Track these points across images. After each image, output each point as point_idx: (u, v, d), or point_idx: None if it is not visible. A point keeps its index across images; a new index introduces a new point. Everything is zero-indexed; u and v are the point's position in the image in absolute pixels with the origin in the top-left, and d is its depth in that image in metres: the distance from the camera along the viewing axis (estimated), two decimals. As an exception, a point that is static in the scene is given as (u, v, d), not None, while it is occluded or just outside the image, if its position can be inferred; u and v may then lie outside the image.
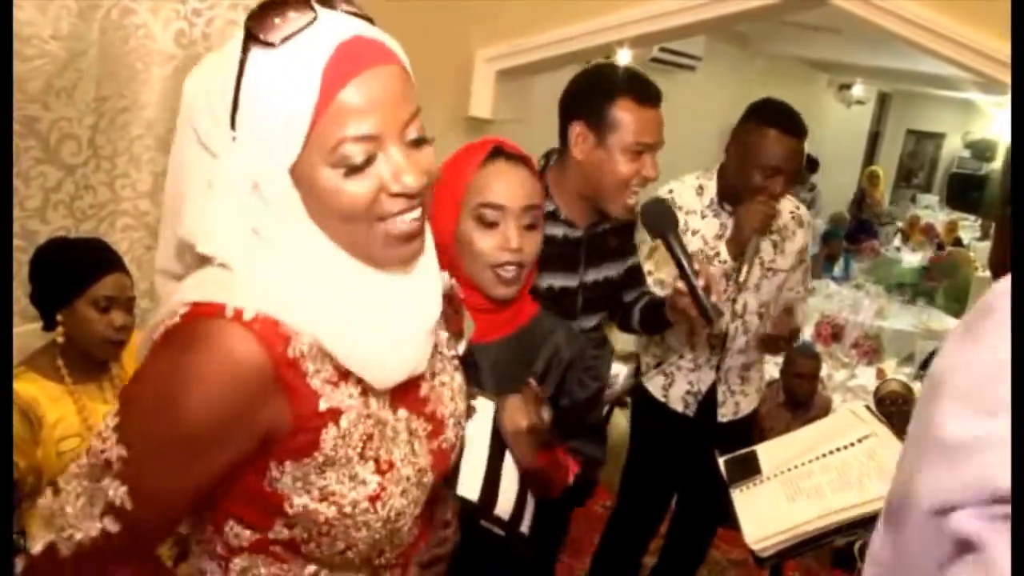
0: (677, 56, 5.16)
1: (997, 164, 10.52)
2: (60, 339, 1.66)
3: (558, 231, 1.75)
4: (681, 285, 1.68)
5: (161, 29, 2.00)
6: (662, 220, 1.73)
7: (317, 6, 0.82)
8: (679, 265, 1.67)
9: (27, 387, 1.62)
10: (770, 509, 1.46)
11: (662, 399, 2.37)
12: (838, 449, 1.54)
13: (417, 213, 0.87)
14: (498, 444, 1.26)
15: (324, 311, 0.85)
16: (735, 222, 2.14)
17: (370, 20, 0.87)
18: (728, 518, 1.56)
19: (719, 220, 2.23)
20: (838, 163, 9.83)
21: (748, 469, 1.57)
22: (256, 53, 0.80)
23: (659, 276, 2.16)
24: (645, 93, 1.71)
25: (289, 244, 0.85)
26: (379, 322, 0.88)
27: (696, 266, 1.67)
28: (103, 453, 0.83)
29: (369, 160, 0.82)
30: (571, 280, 1.79)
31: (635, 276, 2.02)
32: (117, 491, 0.82)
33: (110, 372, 1.75)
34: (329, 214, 0.84)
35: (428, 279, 0.96)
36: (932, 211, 10.69)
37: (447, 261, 1.35)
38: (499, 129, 3.17)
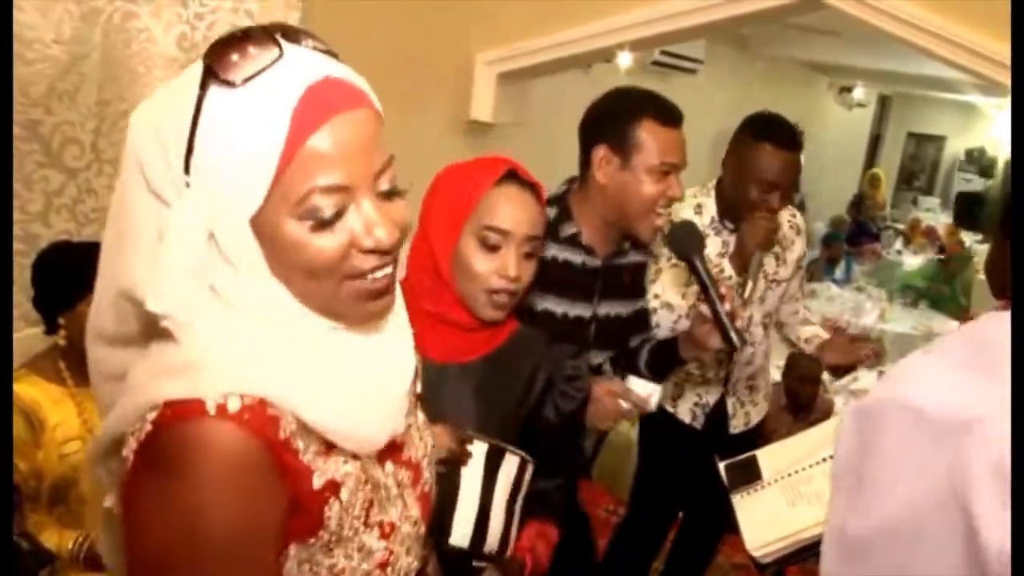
0: (678, 59, 5.17)
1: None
2: (62, 342, 1.67)
3: (577, 258, 1.72)
4: (705, 310, 1.62)
5: (163, 33, 2.01)
6: (688, 243, 1.66)
7: (282, 42, 0.75)
8: (704, 289, 1.61)
9: (29, 390, 1.62)
10: (770, 515, 1.45)
11: (670, 410, 2.36)
12: (838, 453, 1.54)
13: (389, 270, 0.81)
14: (488, 486, 1.25)
15: (296, 378, 0.77)
16: (738, 238, 2.11)
17: (336, 56, 0.80)
18: (733, 526, 1.56)
19: (720, 238, 2.21)
20: (839, 166, 9.84)
21: (749, 474, 1.56)
22: (215, 92, 0.72)
23: (666, 299, 2.09)
24: (668, 114, 1.71)
25: (250, 303, 0.77)
26: (353, 386, 0.82)
27: (722, 290, 1.62)
28: None
29: (339, 213, 0.76)
30: (585, 310, 1.77)
31: (642, 319, 1.97)
32: None
33: (111, 375, 1.75)
34: (293, 269, 0.77)
35: (400, 337, 0.90)
36: (933, 214, 10.67)
37: (440, 275, 1.34)
38: (500, 132, 3.17)
